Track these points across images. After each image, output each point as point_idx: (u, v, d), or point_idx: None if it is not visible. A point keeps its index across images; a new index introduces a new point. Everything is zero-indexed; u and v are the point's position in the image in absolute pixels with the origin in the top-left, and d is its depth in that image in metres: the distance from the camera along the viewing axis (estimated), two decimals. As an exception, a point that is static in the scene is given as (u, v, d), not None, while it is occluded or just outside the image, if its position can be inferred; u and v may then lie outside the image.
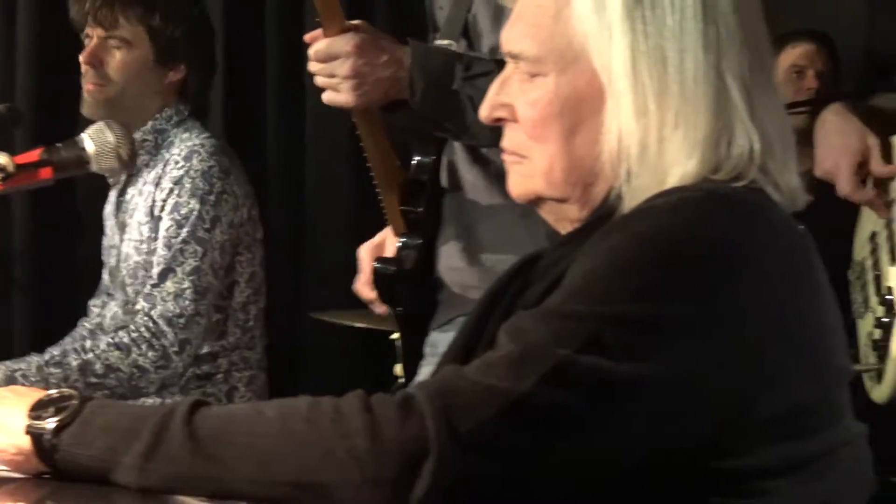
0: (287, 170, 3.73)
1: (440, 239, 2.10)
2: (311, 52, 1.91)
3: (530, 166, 1.32)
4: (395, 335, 2.30)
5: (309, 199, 3.75)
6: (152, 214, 2.65)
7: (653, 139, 1.24)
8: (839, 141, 2.11)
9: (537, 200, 1.34)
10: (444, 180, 2.11)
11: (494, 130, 1.35)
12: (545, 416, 1.10)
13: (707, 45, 1.24)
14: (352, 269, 2.29)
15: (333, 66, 1.89)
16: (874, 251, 2.26)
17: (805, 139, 2.52)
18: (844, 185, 2.10)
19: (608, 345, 1.12)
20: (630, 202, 1.25)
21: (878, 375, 2.18)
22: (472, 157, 2.06)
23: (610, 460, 1.13)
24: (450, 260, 2.08)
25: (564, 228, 1.35)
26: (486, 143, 1.92)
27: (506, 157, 1.36)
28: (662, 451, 1.14)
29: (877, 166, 2.10)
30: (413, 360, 2.15)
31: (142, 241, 2.66)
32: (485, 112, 1.35)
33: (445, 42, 2.03)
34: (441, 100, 1.89)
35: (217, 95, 3.52)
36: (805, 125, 2.60)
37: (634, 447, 1.13)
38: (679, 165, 1.23)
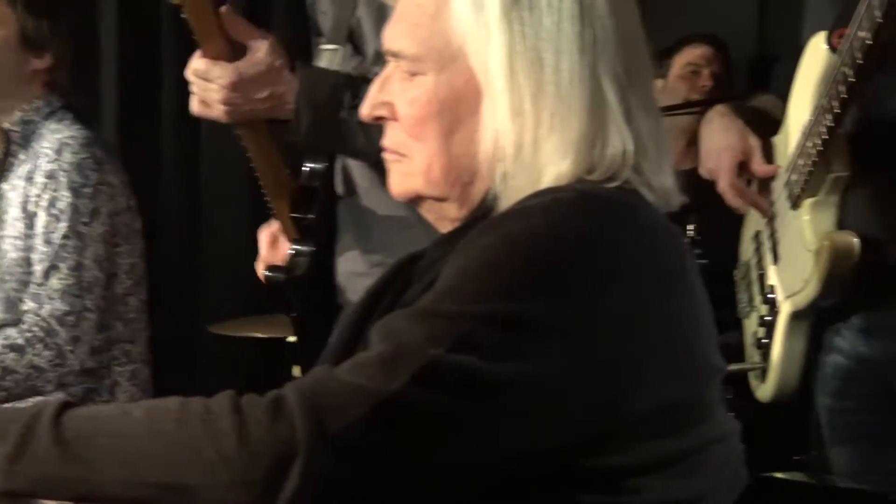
0: (183, 178, 3.69)
1: (338, 245, 2.09)
2: (189, 67, 1.88)
3: (410, 165, 1.32)
4: (293, 338, 2.29)
5: (205, 208, 3.71)
6: (26, 210, 2.61)
7: (528, 139, 1.24)
8: (722, 140, 2.15)
9: (417, 199, 1.35)
10: (338, 186, 2.10)
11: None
12: (416, 416, 1.10)
13: (583, 47, 1.25)
14: (249, 278, 2.27)
15: (207, 87, 1.86)
16: (758, 250, 2.30)
17: (696, 139, 2.56)
18: (725, 183, 2.14)
19: (480, 344, 1.12)
20: (506, 202, 1.26)
21: (763, 374, 2.22)
22: (365, 163, 2.06)
23: (482, 460, 1.12)
24: (349, 265, 2.07)
25: (445, 227, 1.36)
26: (376, 160, 1.92)
27: (386, 156, 1.36)
28: (534, 450, 1.14)
29: (758, 166, 2.14)
30: (310, 365, 2.13)
31: (17, 238, 2.62)
32: (365, 110, 1.35)
33: (331, 47, 2.01)
34: (328, 129, 1.88)
35: (111, 100, 3.48)
36: (696, 125, 2.65)
37: (506, 446, 1.13)
38: (553, 166, 1.24)
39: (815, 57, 1.98)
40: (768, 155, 2.17)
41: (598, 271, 1.16)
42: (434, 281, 1.22)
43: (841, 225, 1.97)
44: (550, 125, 1.24)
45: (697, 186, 2.40)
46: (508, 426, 1.12)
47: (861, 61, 1.75)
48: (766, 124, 2.18)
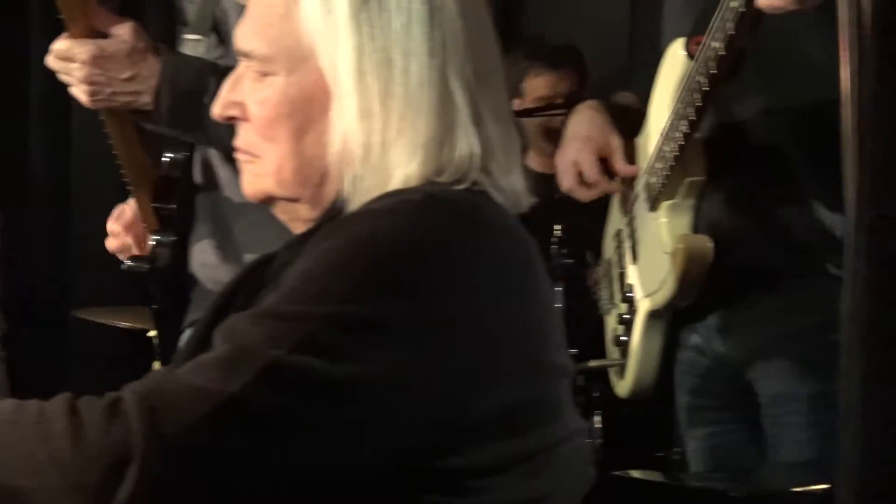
0: (52, 166, 3.63)
1: (193, 235, 2.08)
2: (53, 47, 1.87)
3: (262, 166, 1.32)
4: (153, 332, 2.27)
5: (75, 197, 3.65)
6: None
7: (376, 141, 1.25)
8: (586, 130, 2.17)
9: (270, 200, 1.34)
10: (197, 177, 2.08)
11: None
12: (255, 418, 1.09)
13: (432, 49, 1.26)
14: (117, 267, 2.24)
15: (69, 67, 1.86)
16: (619, 248, 2.34)
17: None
18: (590, 172, 2.15)
19: (322, 346, 1.11)
20: (356, 204, 1.26)
21: (622, 370, 2.26)
22: (225, 153, 2.04)
23: (323, 461, 1.12)
24: (203, 256, 2.06)
25: (298, 228, 1.36)
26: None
27: (239, 157, 1.36)
28: (378, 451, 1.15)
29: (620, 166, 2.17)
30: (171, 358, 2.12)
31: None
32: (217, 110, 1.35)
33: (194, 37, 2.00)
34: (190, 114, 1.87)
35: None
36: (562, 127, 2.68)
37: (348, 447, 1.13)
38: (402, 168, 1.25)
39: (674, 62, 2.02)
40: (630, 155, 2.21)
41: (443, 272, 1.17)
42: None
43: (696, 228, 2.02)
44: (399, 127, 1.25)
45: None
46: (350, 428, 1.13)
47: (714, 71, 1.79)
48: (632, 123, 2.21)
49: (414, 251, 1.17)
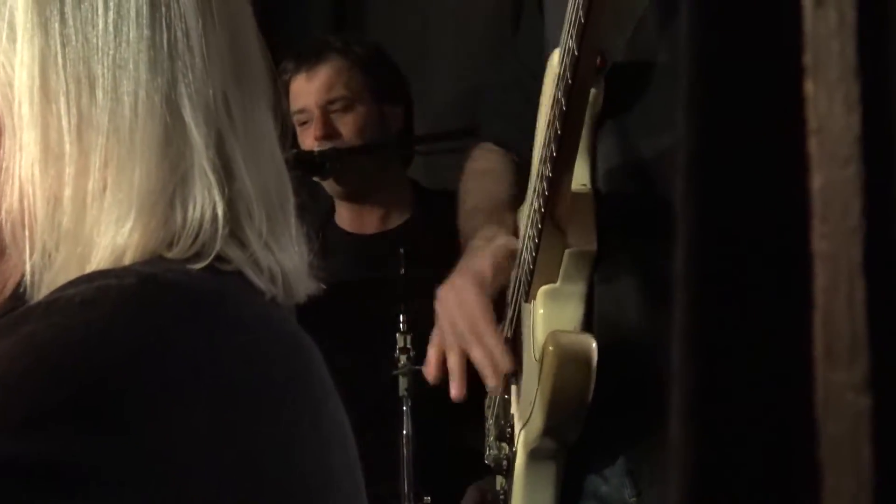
0: None
1: None
2: None
3: None
4: None
5: None
6: None
7: (69, 196, 1.10)
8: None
9: None
10: None
11: None
12: None
13: (156, 62, 1.12)
14: None
15: None
16: None
17: (376, 186, 2.40)
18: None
19: None
20: (45, 289, 1.12)
21: None
22: None
23: None
24: None
25: (-32, 321, 1.30)
26: None
27: None
28: None
29: None
30: None
31: None
32: None
33: None
34: None
35: None
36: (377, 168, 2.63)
37: None
38: (109, 236, 1.11)
39: (550, 80, 1.80)
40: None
41: (155, 394, 1.04)
42: None
43: (589, 322, 1.75)
44: (103, 175, 1.10)
45: (412, 263, 2.21)
46: None
47: (570, 80, 1.56)
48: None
49: (114, 362, 1.04)
